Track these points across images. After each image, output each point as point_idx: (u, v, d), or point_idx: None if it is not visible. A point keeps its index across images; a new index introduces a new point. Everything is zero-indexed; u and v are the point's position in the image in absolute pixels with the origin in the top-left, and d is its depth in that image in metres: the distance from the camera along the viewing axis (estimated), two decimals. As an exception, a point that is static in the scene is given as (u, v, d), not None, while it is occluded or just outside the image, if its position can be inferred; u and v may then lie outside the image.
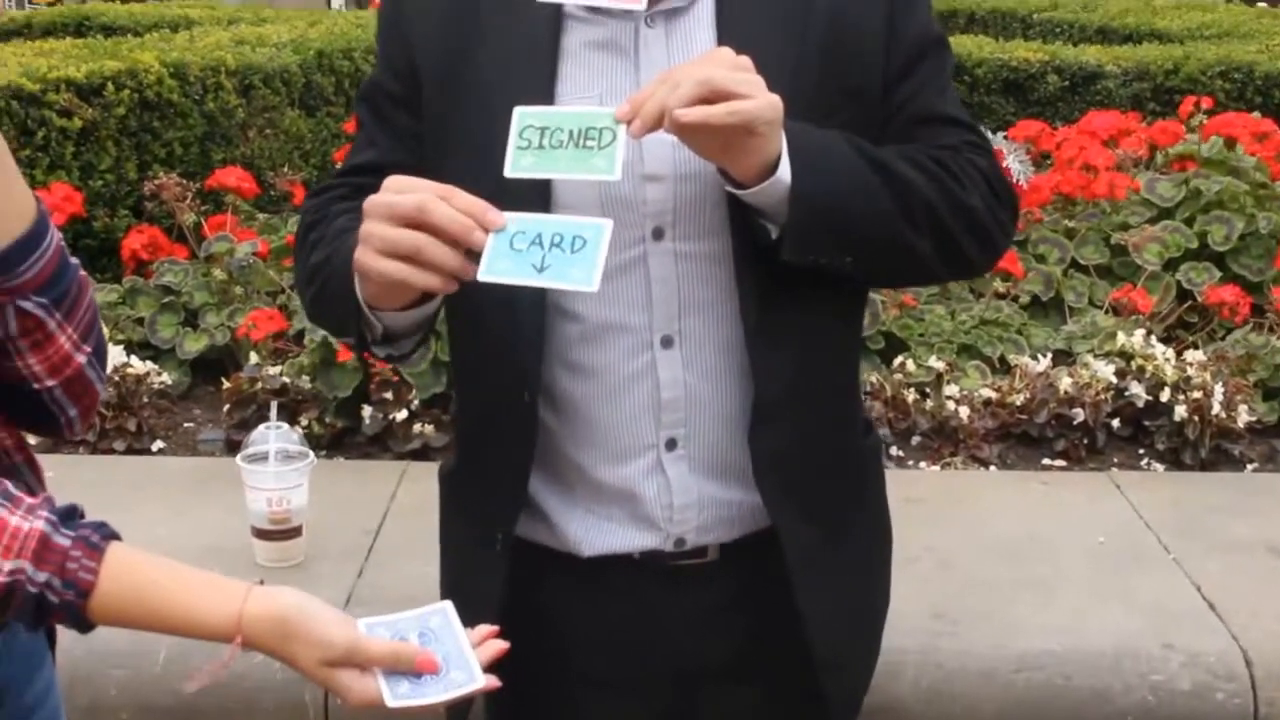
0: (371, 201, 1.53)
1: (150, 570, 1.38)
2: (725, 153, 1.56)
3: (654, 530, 1.76)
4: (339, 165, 1.91)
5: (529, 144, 1.54)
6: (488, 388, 1.78)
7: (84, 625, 1.37)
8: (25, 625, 1.40)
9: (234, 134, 5.10)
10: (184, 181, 4.27)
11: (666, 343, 1.70)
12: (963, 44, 7.11)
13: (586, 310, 1.69)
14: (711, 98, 1.49)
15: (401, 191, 1.52)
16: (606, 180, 1.52)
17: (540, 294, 1.64)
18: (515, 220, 1.51)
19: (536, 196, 1.63)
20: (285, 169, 5.13)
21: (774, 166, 1.57)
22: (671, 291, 1.69)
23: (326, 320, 1.77)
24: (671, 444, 1.73)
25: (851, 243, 1.65)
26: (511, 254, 1.50)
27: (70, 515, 1.38)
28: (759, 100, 1.51)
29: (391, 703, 1.38)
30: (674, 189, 1.67)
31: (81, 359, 1.51)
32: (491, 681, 1.44)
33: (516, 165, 1.53)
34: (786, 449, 1.73)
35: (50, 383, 1.50)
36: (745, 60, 1.53)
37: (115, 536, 1.38)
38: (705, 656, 1.83)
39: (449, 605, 1.49)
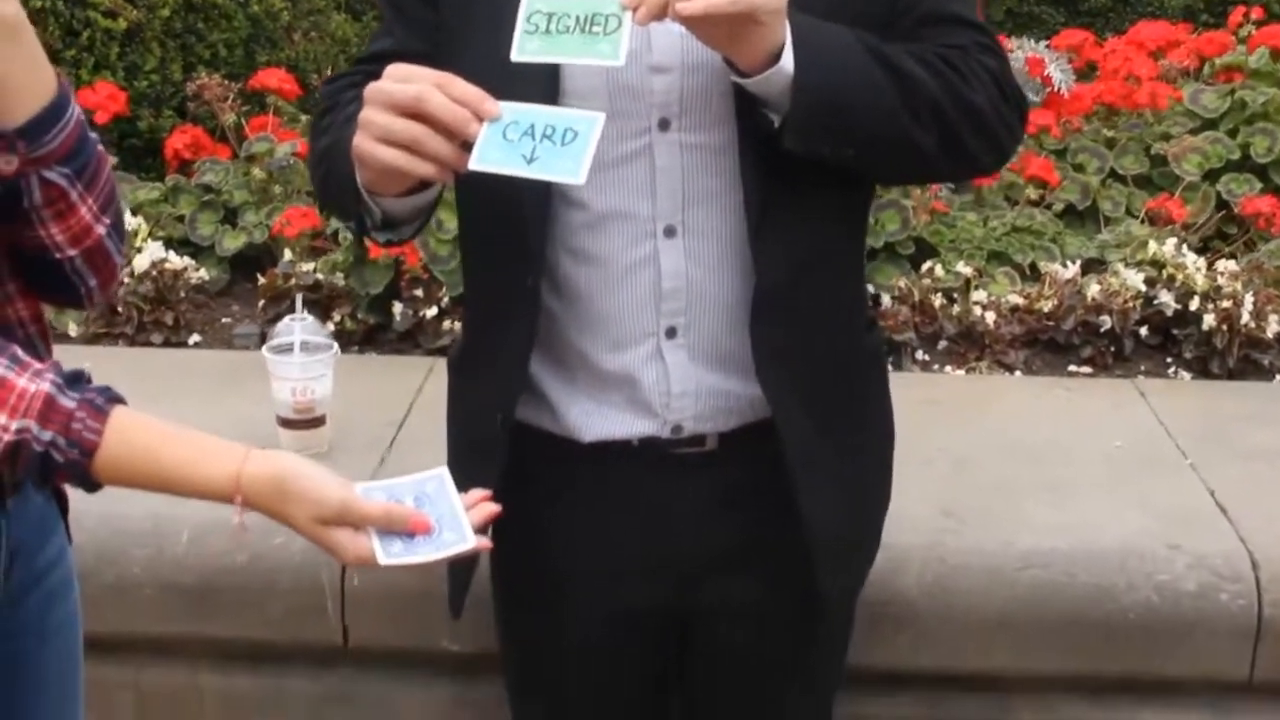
0: (372, 89, 1.57)
1: (153, 432, 1.44)
2: (730, 42, 1.58)
3: (652, 417, 1.79)
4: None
5: (536, 29, 1.56)
6: (492, 271, 1.82)
7: (90, 484, 1.44)
8: (33, 484, 1.46)
9: (279, 37, 5.12)
10: (226, 82, 4.30)
11: (669, 232, 1.73)
12: (1015, -47, 7.02)
13: (591, 198, 1.72)
14: None
15: (401, 80, 1.55)
16: (611, 66, 1.55)
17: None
18: (510, 110, 1.54)
19: (546, 83, 1.66)
20: (330, 72, 5.16)
21: (778, 56, 1.59)
22: (676, 182, 1.72)
23: (333, 205, 1.82)
24: (671, 332, 1.76)
25: (854, 136, 1.67)
26: (503, 144, 1.53)
27: (76, 379, 1.44)
28: None
29: (384, 560, 1.44)
30: (681, 80, 1.69)
31: (101, 230, 1.58)
32: (483, 543, 1.49)
33: (523, 49, 1.56)
34: (787, 342, 1.76)
35: (71, 252, 1.57)
36: None
37: (120, 400, 1.45)
38: (704, 548, 1.86)
39: (444, 471, 1.54)
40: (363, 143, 1.57)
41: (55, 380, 1.42)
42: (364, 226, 1.72)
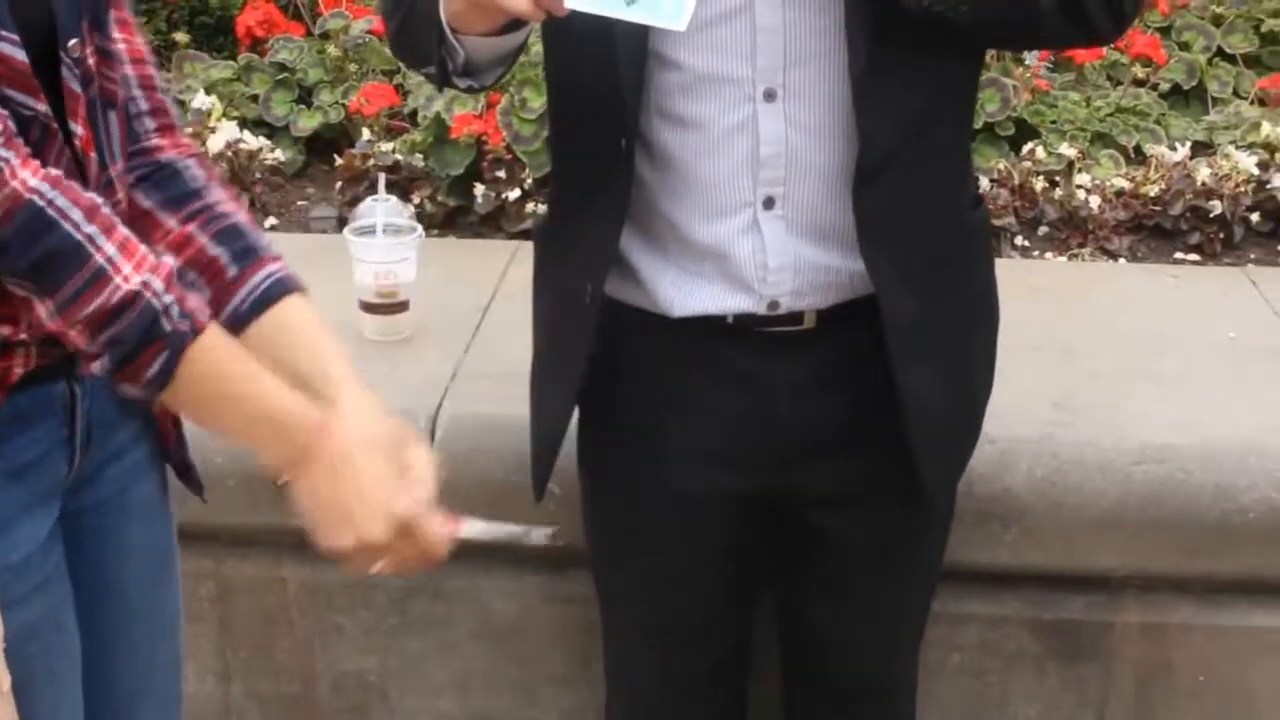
0: None
1: (240, 350, 1.48)
2: None
3: (747, 292, 1.74)
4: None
5: None
6: (583, 135, 1.76)
7: (165, 378, 1.39)
8: (115, 357, 1.40)
9: (352, -91, 5.00)
10: (299, -43, 4.20)
11: (769, 96, 1.66)
12: None
13: (688, 58, 1.65)
14: None
15: None
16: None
17: (640, 39, 1.62)
18: None
19: None
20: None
21: None
22: (777, 42, 1.64)
23: (410, 48, 1.74)
24: (769, 203, 1.69)
25: None
26: None
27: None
28: None
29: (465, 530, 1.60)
30: None
31: None
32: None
33: None
34: (889, 212, 1.69)
35: None
36: None
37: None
38: (800, 431, 1.81)
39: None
40: None
41: (178, 265, 1.45)
42: (445, 71, 1.64)
